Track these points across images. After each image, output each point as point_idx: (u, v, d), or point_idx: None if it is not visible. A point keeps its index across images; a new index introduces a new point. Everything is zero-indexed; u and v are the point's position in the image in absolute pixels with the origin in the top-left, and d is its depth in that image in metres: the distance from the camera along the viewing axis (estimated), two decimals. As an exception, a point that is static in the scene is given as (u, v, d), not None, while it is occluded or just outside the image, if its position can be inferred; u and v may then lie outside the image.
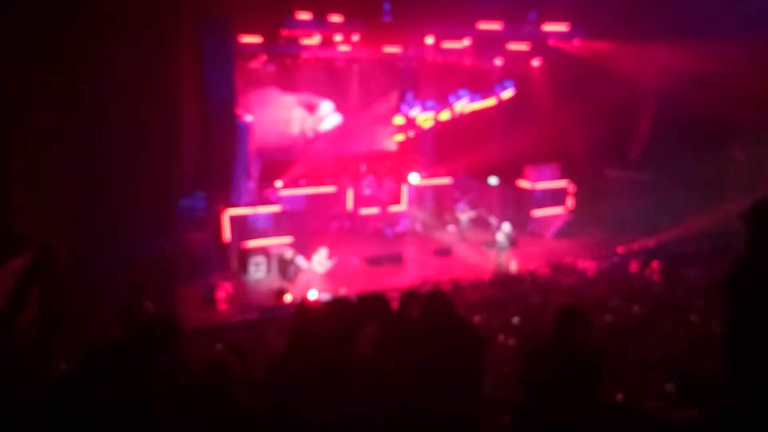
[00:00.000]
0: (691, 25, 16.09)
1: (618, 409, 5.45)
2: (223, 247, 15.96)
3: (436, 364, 4.19)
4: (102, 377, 3.28)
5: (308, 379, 3.07)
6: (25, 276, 3.67)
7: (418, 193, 20.29)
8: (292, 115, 19.02)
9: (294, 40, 16.37)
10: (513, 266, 16.25)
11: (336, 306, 3.51)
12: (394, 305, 5.33)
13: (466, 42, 18.18)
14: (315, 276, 14.72)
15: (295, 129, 19.12)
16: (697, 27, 16.03)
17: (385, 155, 20.71)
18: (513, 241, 16.92)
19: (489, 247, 17.76)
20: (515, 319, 10.34)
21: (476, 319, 10.27)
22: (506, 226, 16.71)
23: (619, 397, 6.23)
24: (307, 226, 17.65)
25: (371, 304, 4.90)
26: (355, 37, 16.68)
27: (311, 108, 19.15)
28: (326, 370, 3.07)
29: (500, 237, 16.53)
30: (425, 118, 20.07)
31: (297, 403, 3.07)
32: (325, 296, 13.56)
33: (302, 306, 3.76)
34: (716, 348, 8.01)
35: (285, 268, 15.48)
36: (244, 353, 5.92)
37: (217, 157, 15.26)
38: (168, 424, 3.20)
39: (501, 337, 9.26)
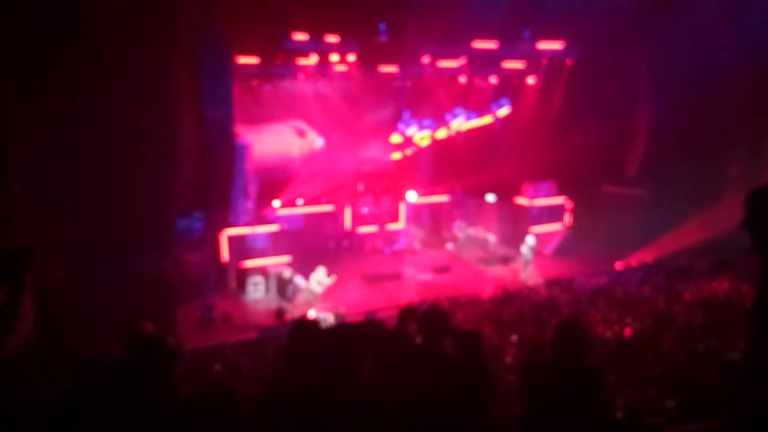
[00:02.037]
0: (687, 40, 16.25)
1: (618, 423, 5.42)
2: (222, 267, 15.95)
3: (437, 383, 4.17)
4: (97, 395, 3.27)
5: (305, 399, 3.06)
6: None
7: (416, 211, 20.31)
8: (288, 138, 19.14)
9: (291, 61, 16.48)
10: (535, 278, 16.43)
11: (339, 333, 3.50)
12: (392, 323, 5.31)
13: (461, 61, 18.32)
14: (314, 295, 14.69)
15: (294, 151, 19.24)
16: (693, 41, 16.20)
17: (383, 174, 20.76)
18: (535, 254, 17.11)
19: (487, 264, 17.81)
20: (514, 337, 10.31)
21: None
22: (530, 239, 16.97)
23: (619, 415, 6.21)
24: (305, 245, 17.65)
25: (370, 332, 4.86)
26: (351, 57, 16.80)
27: (301, 133, 19.22)
28: (326, 393, 3.04)
29: (524, 249, 16.78)
30: (422, 137, 20.15)
31: (293, 423, 3.05)
32: (326, 315, 13.53)
33: (300, 324, 3.75)
34: (715, 363, 8.00)
35: (283, 287, 15.44)
36: (242, 373, 5.90)
37: (215, 177, 15.29)
38: None
39: (501, 354, 9.24)
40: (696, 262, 15.47)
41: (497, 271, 17.64)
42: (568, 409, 4.04)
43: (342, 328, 3.77)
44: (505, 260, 18.17)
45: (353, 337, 3.40)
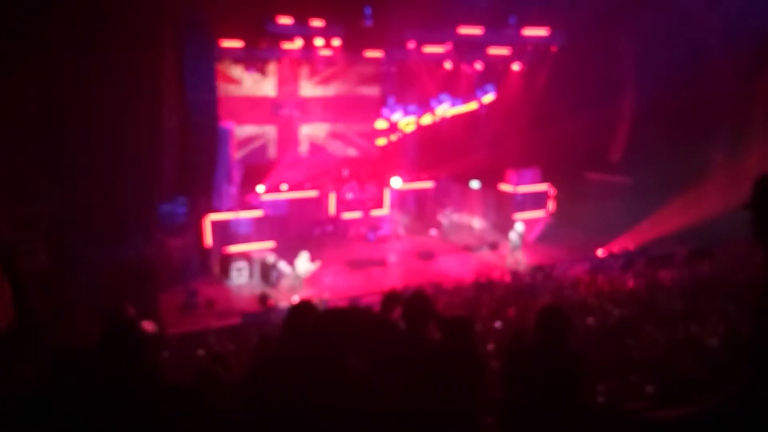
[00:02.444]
0: (671, 27, 16.32)
1: (599, 408, 5.49)
2: (205, 253, 15.87)
3: (421, 368, 4.18)
4: (76, 381, 3.25)
5: (292, 385, 3.06)
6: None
7: (401, 197, 20.32)
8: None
9: (275, 45, 16.35)
10: (523, 264, 16.59)
11: (327, 318, 3.50)
12: (376, 309, 5.31)
13: (447, 47, 18.27)
14: (298, 281, 14.69)
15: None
16: (678, 29, 16.27)
17: (368, 159, 20.72)
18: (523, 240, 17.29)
19: (471, 250, 17.90)
20: (498, 323, 10.38)
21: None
22: (519, 226, 17.18)
23: (600, 400, 6.28)
24: (289, 230, 17.62)
25: (357, 317, 4.86)
26: (336, 42, 16.70)
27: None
28: (312, 378, 3.05)
29: (513, 235, 16.96)
30: (407, 123, 20.12)
31: (278, 409, 3.06)
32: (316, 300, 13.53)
33: (298, 308, 3.73)
34: (695, 349, 8.11)
35: (267, 273, 15.43)
36: (225, 360, 5.90)
37: (199, 162, 15.18)
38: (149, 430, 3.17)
39: (484, 340, 9.30)
40: (677, 248, 15.63)
41: (481, 257, 17.73)
42: (550, 394, 4.08)
43: (329, 313, 3.77)
44: (490, 246, 18.26)
45: (341, 322, 3.39)
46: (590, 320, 10.27)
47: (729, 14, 16.02)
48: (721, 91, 16.63)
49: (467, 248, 18.12)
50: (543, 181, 19.88)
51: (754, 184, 2.90)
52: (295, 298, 13.72)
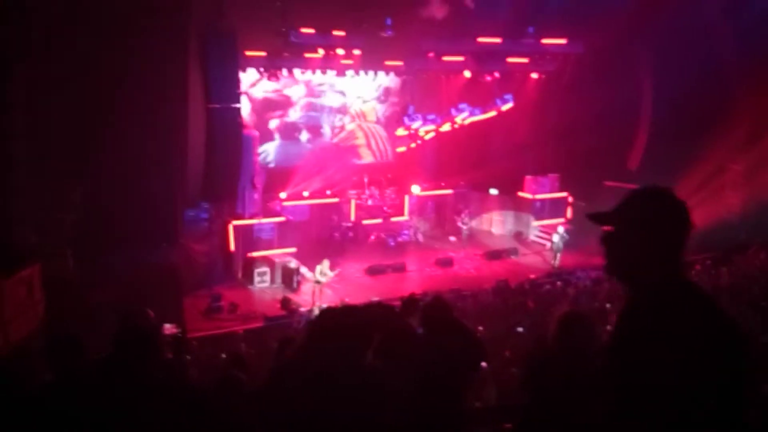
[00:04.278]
0: (689, 37, 16.40)
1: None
2: (229, 257, 16.17)
3: (437, 371, 4.21)
4: (86, 390, 3.27)
5: (315, 385, 3.05)
6: None
7: (420, 203, 20.51)
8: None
9: (298, 54, 16.63)
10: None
11: (347, 313, 3.52)
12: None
13: (466, 56, 18.45)
14: (318, 286, 14.90)
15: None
16: (694, 37, 16.35)
17: (388, 166, 20.94)
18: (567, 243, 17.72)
19: (490, 257, 18.07)
20: (518, 329, 10.51)
21: (480, 328, 10.44)
22: (561, 229, 17.72)
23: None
24: (310, 236, 17.85)
25: (379, 313, 4.86)
26: (357, 51, 16.96)
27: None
28: (333, 376, 3.04)
29: (556, 238, 17.57)
30: (427, 131, 20.30)
31: (300, 408, 3.03)
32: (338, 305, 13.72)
33: (327, 312, 3.84)
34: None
35: (289, 277, 15.68)
36: (245, 363, 6.01)
37: (223, 169, 15.45)
38: None
39: (503, 347, 9.44)
40: (695, 255, 15.66)
41: (500, 263, 17.87)
42: (570, 400, 4.16)
43: (349, 309, 3.70)
44: (509, 253, 18.39)
45: (361, 318, 3.34)
46: (610, 328, 10.36)
47: (746, 25, 16.10)
48: (738, 99, 16.67)
49: (486, 255, 18.26)
50: (561, 188, 19.98)
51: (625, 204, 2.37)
52: (319, 305, 13.89)
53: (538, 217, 19.78)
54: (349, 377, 3.02)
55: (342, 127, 20.38)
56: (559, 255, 17.45)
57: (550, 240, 18.49)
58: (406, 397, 3.60)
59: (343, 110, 20.23)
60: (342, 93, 20.01)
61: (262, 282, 15.86)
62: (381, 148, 21.12)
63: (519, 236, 20.08)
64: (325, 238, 18.42)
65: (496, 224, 20.60)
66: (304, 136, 19.74)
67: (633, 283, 2.25)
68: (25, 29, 10.62)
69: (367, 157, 20.86)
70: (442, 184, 20.64)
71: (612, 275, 2.37)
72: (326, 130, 20.10)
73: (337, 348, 3.07)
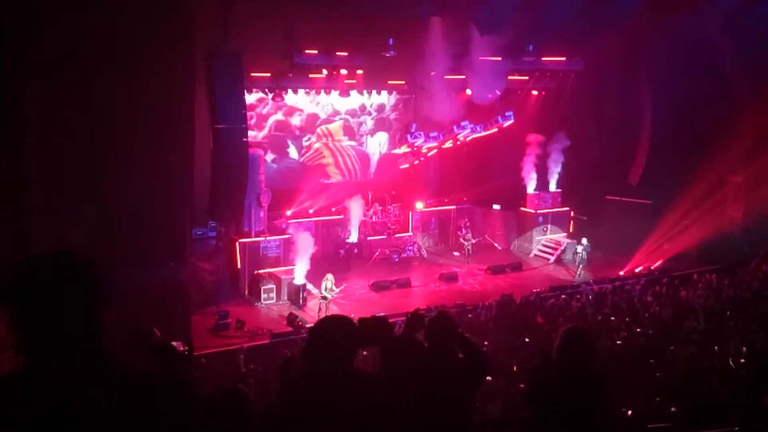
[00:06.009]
0: (688, 52, 16.65)
1: (623, 429, 5.64)
2: (235, 275, 16.33)
3: (441, 384, 4.26)
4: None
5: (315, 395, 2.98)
6: None
7: (424, 219, 20.68)
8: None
9: (302, 75, 16.90)
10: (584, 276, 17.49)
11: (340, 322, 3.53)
12: (399, 329, 5.44)
13: (467, 74, 18.70)
14: (324, 302, 15.04)
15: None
16: (694, 53, 16.59)
17: (391, 183, 21.12)
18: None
19: (493, 272, 18.20)
20: (526, 339, 10.64)
21: (485, 343, 10.57)
22: (585, 240, 18.00)
23: (624, 420, 6.33)
24: (315, 253, 17.98)
25: (373, 326, 4.79)
26: (360, 71, 17.22)
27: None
28: (329, 385, 2.99)
29: (579, 249, 17.90)
30: (429, 148, 20.49)
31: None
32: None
33: (325, 321, 3.84)
34: (717, 369, 8.31)
35: (295, 294, 15.83)
36: (252, 377, 6.07)
37: (229, 188, 15.64)
38: None
39: (509, 361, 9.58)
40: (698, 268, 15.82)
41: (504, 278, 18.01)
42: (574, 413, 4.27)
43: (343, 318, 3.69)
44: (513, 267, 18.54)
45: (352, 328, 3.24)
46: (612, 341, 10.51)
47: (745, 40, 16.34)
48: (738, 113, 16.88)
49: (490, 269, 18.41)
50: (563, 203, 20.18)
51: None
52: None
53: (541, 232, 19.96)
54: (345, 384, 2.99)
55: (309, 147, 19.97)
56: (582, 266, 17.77)
57: (562, 252, 18.96)
58: (410, 410, 3.62)
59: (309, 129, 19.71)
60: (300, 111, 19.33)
61: (269, 299, 16.00)
62: (350, 167, 20.75)
63: (522, 250, 20.25)
64: (329, 254, 18.57)
65: (499, 239, 20.76)
66: (269, 156, 19.14)
67: None
68: (38, 50, 10.87)
69: (335, 177, 20.53)
70: (446, 200, 20.84)
71: None
72: (292, 150, 19.72)
73: (328, 354, 3.04)
